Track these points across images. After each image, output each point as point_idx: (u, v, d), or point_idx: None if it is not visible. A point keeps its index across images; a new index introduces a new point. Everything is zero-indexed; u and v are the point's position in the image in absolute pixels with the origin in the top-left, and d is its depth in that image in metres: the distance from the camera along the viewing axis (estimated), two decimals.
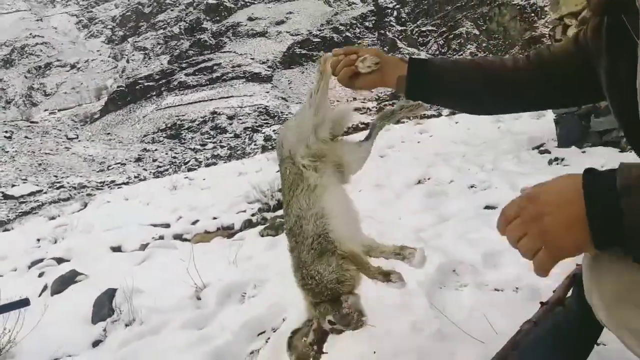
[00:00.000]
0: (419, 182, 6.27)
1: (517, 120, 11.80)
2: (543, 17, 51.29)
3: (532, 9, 56.07)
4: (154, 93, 68.96)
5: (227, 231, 6.23)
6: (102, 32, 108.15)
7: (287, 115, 53.35)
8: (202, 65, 70.00)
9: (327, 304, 1.70)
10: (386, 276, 1.61)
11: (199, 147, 47.45)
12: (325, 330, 1.78)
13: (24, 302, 1.95)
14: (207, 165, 28.63)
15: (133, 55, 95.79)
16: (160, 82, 69.71)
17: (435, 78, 1.44)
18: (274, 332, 2.62)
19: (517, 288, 2.58)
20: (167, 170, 36.66)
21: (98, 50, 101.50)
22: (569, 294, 1.85)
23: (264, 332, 2.69)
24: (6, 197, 34.22)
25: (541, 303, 1.85)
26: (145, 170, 40.70)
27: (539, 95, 1.45)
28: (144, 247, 5.82)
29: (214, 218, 6.80)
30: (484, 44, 59.82)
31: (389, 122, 1.92)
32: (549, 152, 6.12)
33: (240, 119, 52.84)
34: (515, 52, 51.14)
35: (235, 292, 3.25)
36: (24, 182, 38.40)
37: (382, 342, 2.22)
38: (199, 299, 3.28)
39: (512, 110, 1.62)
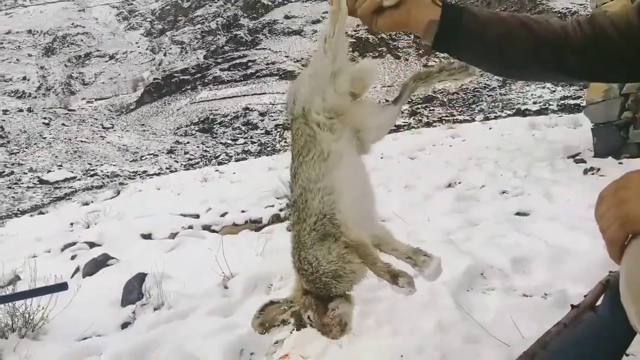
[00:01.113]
0: (450, 185, 6.22)
1: (552, 128, 11.60)
2: None
3: (572, 16, 54.95)
4: (189, 87, 70.01)
5: (255, 224, 6.29)
6: (142, 24, 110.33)
7: None
8: (237, 61, 70.72)
9: (314, 299, 1.49)
10: (394, 277, 1.36)
11: (230, 141, 47.97)
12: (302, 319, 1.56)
13: (62, 286, 1.99)
14: (237, 160, 28.93)
15: (170, 48, 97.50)
16: (196, 76, 70.78)
17: (471, 29, 1.23)
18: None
19: (545, 294, 2.54)
20: (198, 163, 37.18)
21: (137, 43, 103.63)
22: (601, 299, 1.82)
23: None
24: (42, 182, 35.21)
25: (572, 306, 1.82)
26: (177, 162, 41.36)
27: (587, 67, 1.25)
28: (173, 235, 5.94)
29: (243, 211, 6.86)
30: None
31: (424, 85, 1.63)
32: (585, 162, 5.99)
33: (271, 116, 53.20)
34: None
35: (262, 282, 3.29)
36: (59, 168, 39.47)
37: (406, 339, 2.22)
38: (226, 287, 3.34)
39: (551, 78, 1.40)
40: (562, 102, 34.04)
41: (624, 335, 1.70)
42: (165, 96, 70.46)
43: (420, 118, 43.89)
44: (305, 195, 1.47)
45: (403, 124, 42.16)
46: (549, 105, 34.15)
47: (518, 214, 4.27)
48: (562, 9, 56.18)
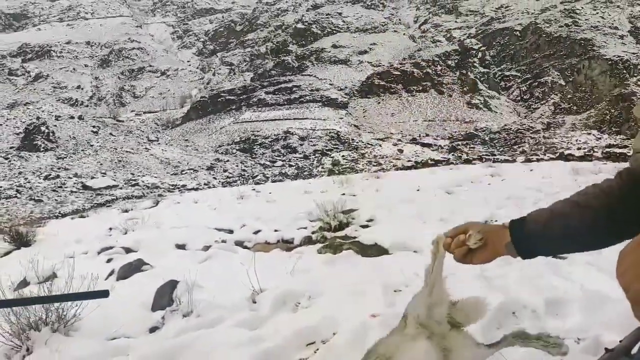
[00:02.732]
0: (486, 222, 6.13)
1: (596, 175, 11.32)
2: (635, 74, 49.06)
3: (624, 65, 53.81)
4: (234, 107, 71.54)
5: (287, 244, 6.33)
6: (194, 44, 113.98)
7: (357, 142, 53.59)
8: (283, 85, 72.03)
9: None
10: None
11: (268, 163, 48.57)
12: None
13: (104, 293, 2.05)
14: (274, 182, 29.21)
15: (219, 69, 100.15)
16: (241, 97, 72.35)
17: (536, 234, 1.39)
18: (324, 344, 2.65)
19: (579, 339, 2.48)
20: (235, 181, 37.71)
21: (188, 61, 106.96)
22: (637, 346, 1.76)
23: (313, 342, 2.73)
24: (85, 187, 36.34)
25: (606, 349, 1.78)
26: (215, 179, 42.06)
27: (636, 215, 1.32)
28: (206, 248, 6.02)
29: (276, 230, 6.91)
30: (568, 96, 57.83)
31: (521, 344, 1.71)
32: None
33: (311, 141, 53.69)
34: (602, 107, 49.00)
35: (290, 300, 3.31)
36: (103, 176, 40.67)
37: None
38: (254, 302, 3.37)
39: (627, 234, 1.38)
40: (608, 149, 33.17)
41: None
42: (210, 114, 72.12)
43: (459, 154, 43.45)
44: None
45: (442, 159, 41.82)
46: (594, 152, 33.31)
47: (555, 256, 4.18)
48: (614, 56, 55.17)
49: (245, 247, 6.35)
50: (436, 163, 36.15)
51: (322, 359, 2.44)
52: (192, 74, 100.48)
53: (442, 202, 8.23)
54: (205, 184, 37.24)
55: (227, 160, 51.11)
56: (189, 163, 49.67)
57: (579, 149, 36.58)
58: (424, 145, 51.53)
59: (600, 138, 42.38)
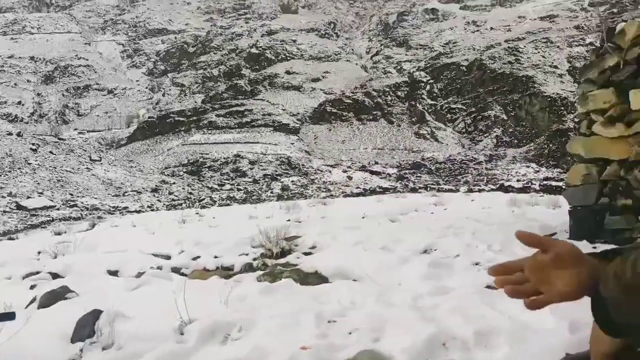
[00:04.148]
0: (426, 251, 6.20)
1: (533, 207, 11.75)
2: (572, 111, 51.78)
3: (562, 102, 56.80)
4: (183, 128, 70.28)
5: (226, 271, 6.16)
6: (145, 63, 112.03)
7: (307, 168, 53.73)
8: (235, 109, 71.46)
9: None
10: None
11: (216, 186, 47.80)
12: None
13: (10, 316, 1.95)
14: (221, 205, 28.73)
15: (170, 89, 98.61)
16: (191, 119, 71.19)
17: None
18: None
19: None
20: (181, 204, 36.81)
21: (137, 80, 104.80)
22: None
23: None
24: (19, 207, 34.51)
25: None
26: (160, 201, 40.94)
27: None
28: (140, 274, 5.77)
29: (216, 257, 6.73)
30: (510, 129, 60.32)
31: None
32: None
33: (261, 165, 53.37)
34: (541, 141, 51.32)
35: (220, 332, 3.19)
36: (40, 196, 38.82)
37: None
38: (182, 333, 3.22)
39: None
40: (545, 182, 34.64)
41: None
42: (158, 135, 70.59)
43: (407, 183, 44.28)
44: None
45: (390, 186, 42.46)
46: (532, 184, 34.69)
47: (488, 287, 4.24)
48: (553, 93, 58.18)
49: (183, 274, 6.14)
50: (384, 191, 36.64)
51: None
52: (140, 94, 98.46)
53: (385, 230, 8.29)
54: (148, 207, 36.17)
55: (174, 183, 49.99)
56: (133, 184, 48.19)
57: (518, 180, 38.02)
58: (372, 172, 52.22)
59: (538, 171, 44.23)
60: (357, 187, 43.53)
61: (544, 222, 7.22)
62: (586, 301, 2.59)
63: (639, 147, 5.58)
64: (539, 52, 67.33)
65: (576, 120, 6.91)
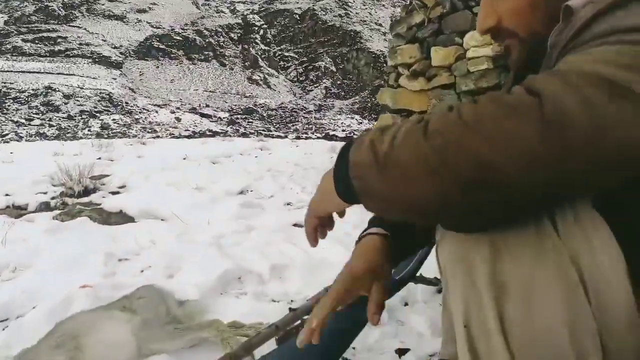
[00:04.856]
0: (241, 192, 6.20)
1: None
2: None
3: (384, 59, 60.86)
4: None
5: (18, 210, 5.48)
6: None
7: (132, 106, 50.32)
8: (45, 34, 63.04)
9: None
10: None
11: (23, 120, 42.38)
12: None
13: None
14: (29, 142, 25.64)
15: None
16: None
17: None
18: (16, 319, 2.28)
19: (292, 300, 2.58)
20: None
21: None
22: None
23: (6, 319, 2.33)
24: None
25: (290, 309, 1.83)
26: None
27: None
28: None
29: (7, 195, 5.95)
30: (338, 82, 63.08)
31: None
32: None
33: (77, 101, 48.44)
34: (365, 95, 54.67)
35: None
36: None
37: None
38: None
39: None
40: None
41: (345, 337, 1.74)
42: None
43: (238, 128, 44.05)
44: None
45: (221, 131, 41.85)
46: (354, 134, 37.01)
47: (295, 225, 4.38)
48: (377, 50, 61.83)
49: None
50: (214, 134, 36.01)
51: (8, 336, 2.07)
52: None
53: (204, 171, 8.09)
54: None
55: None
56: None
57: (343, 130, 40.17)
58: (203, 115, 50.89)
59: (361, 122, 47.17)
60: (186, 130, 42.03)
61: None
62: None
63: (436, 101, 6.14)
64: (367, 9, 70.67)
65: (386, 72, 7.36)
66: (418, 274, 2.29)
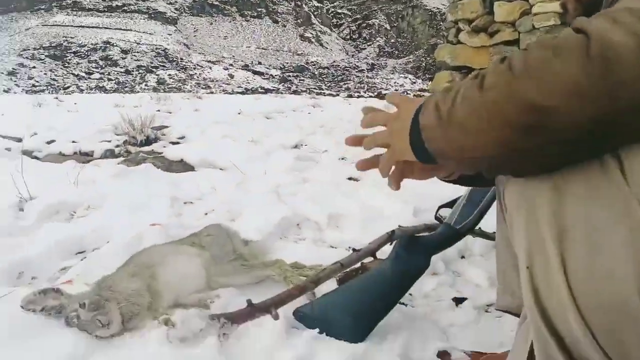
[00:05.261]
0: (296, 146, 6.28)
1: None
2: None
3: (441, 17, 58.70)
4: (43, 7, 62.09)
5: (85, 157, 5.78)
6: None
7: (186, 62, 51.01)
8: None
9: None
10: None
11: (83, 74, 43.76)
12: None
13: None
14: (89, 95, 26.58)
15: None
16: None
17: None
18: (93, 252, 2.45)
19: (349, 247, 2.64)
20: (43, 90, 33.42)
21: None
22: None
23: (83, 251, 2.51)
24: None
25: (353, 249, 1.89)
26: (18, 86, 36.85)
27: None
28: None
29: (74, 142, 6.26)
30: (392, 40, 61.59)
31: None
32: None
33: (135, 56, 49.47)
34: (420, 54, 53.29)
35: (65, 210, 3.00)
36: None
37: None
38: (21, 210, 2.99)
39: None
40: (419, 92, 36.40)
41: (400, 286, 1.79)
42: (13, 12, 62.00)
43: (289, 86, 44.03)
44: None
45: (272, 88, 41.94)
46: (407, 94, 36.33)
47: (350, 178, 4.42)
48: (433, 7, 59.73)
49: (35, 157, 5.66)
50: (266, 92, 36.15)
51: (86, 265, 2.24)
52: None
53: (259, 126, 8.22)
54: (4, 91, 32.44)
55: (34, 67, 44.89)
56: None
57: (395, 90, 39.49)
58: (255, 72, 50.93)
59: (415, 82, 46.14)
60: (238, 86, 42.37)
61: None
62: (430, 191, 2.72)
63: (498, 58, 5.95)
64: None
65: (445, 27, 7.15)
66: (477, 228, 2.30)
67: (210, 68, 53.65)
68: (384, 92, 38.08)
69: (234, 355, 1.60)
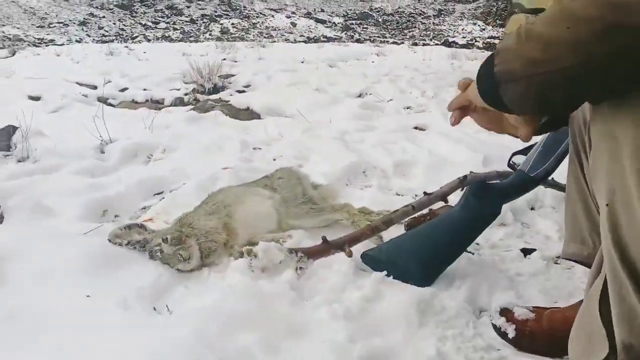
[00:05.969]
0: (360, 95, 6.21)
1: (472, 61, 11.84)
2: None
3: None
4: None
5: (156, 104, 5.98)
6: None
7: (249, 11, 50.68)
8: None
9: None
10: None
11: (150, 24, 44.43)
12: None
13: None
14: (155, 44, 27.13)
15: None
16: None
17: None
18: (170, 193, 2.58)
19: (416, 195, 2.64)
20: (112, 40, 34.22)
21: None
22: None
23: (161, 192, 2.64)
24: None
25: (425, 193, 1.89)
26: (89, 36, 37.96)
27: None
28: (63, 100, 5.50)
29: (145, 89, 6.48)
30: None
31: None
32: None
33: (199, 4, 49.60)
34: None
35: (142, 152, 3.16)
36: None
37: None
38: (102, 152, 3.17)
39: None
40: (488, 40, 34.70)
41: (469, 231, 1.78)
42: None
43: (352, 34, 43.15)
44: None
45: (335, 36, 41.21)
46: (476, 41, 34.69)
47: (416, 128, 4.36)
48: None
49: (110, 105, 5.91)
50: (328, 40, 35.53)
51: (166, 205, 2.37)
52: None
53: (322, 74, 8.15)
54: (77, 41, 33.61)
55: (103, 17, 45.98)
56: (58, 15, 44.11)
57: (463, 37, 37.72)
58: (318, 21, 49.87)
59: (484, 29, 43.81)
60: (300, 35, 42.03)
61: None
62: (500, 141, 2.63)
63: None
64: None
65: None
66: (550, 178, 2.23)
67: (273, 16, 53.37)
68: (450, 39, 36.67)
69: (305, 292, 1.67)
